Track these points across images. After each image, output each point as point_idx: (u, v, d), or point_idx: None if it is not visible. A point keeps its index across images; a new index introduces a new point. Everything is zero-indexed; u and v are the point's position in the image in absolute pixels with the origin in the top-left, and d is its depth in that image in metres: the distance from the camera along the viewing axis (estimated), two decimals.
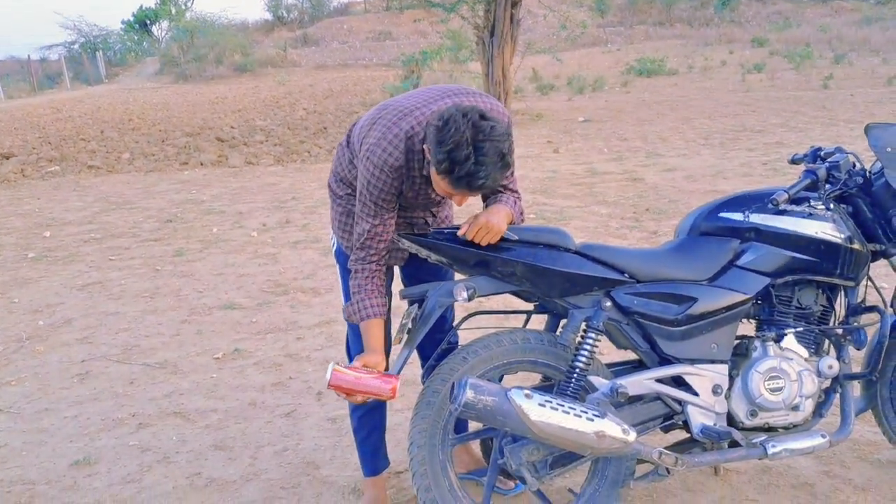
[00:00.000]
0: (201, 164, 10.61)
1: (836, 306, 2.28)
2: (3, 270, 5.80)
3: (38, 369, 3.90)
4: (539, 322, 2.36)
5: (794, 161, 2.53)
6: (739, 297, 2.15)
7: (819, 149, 2.44)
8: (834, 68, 19.68)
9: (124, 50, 43.62)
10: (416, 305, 2.15)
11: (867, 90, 15.55)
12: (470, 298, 2.07)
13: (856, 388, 2.51)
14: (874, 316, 2.28)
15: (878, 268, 2.54)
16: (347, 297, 2.31)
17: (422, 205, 2.23)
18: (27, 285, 5.41)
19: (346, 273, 2.27)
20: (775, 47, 25.94)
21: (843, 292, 2.28)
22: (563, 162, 9.57)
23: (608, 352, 2.79)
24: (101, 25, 43.18)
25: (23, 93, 30.75)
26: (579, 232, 5.93)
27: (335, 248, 2.42)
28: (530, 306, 2.31)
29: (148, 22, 45.74)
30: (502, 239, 2.08)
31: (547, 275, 2.08)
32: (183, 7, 45.69)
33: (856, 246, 2.19)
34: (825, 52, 23.32)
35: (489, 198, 2.20)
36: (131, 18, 45.94)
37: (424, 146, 1.97)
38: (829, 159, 2.30)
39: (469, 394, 1.87)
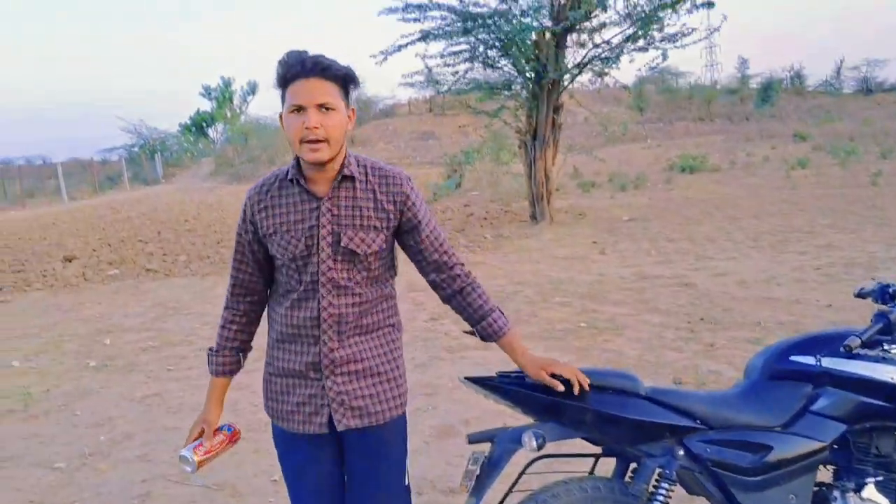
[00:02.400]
0: None
1: None
2: (67, 379, 5.96)
3: (100, 489, 3.95)
4: (607, 465, 2.34)
5: (860, 295, 2.53)
6: (816, 445, 2.12)
7: (888, 286, 2.43)
8: (881, 164, 19.56)
9: (181, 151, 45.60)
10: (481, 451, 2.15)
11: None
12: (540, 447, 2.07)
13: None
14: None
15: None
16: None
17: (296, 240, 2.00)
18: (89, 396, 5.53)
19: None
20: (818, 142, 26.00)
21: None
22: (611, 264, 9.59)
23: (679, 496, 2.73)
24: (160, 129, 45.29)
25: (85, 194, 32.16)
26: (634, 343, 5.88)
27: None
28: (598, 449, 2.30)
29: (204, 125, 47.97)
30: (570, 384, 2.09)
31: (618, 422, 2.08)
32: (238, 111, 47.89)
33: None
34: (870, 147, 23.26)
35: (456, 297, 2.15)
36: (189, 122, 48.29)
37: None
38: None
39: None
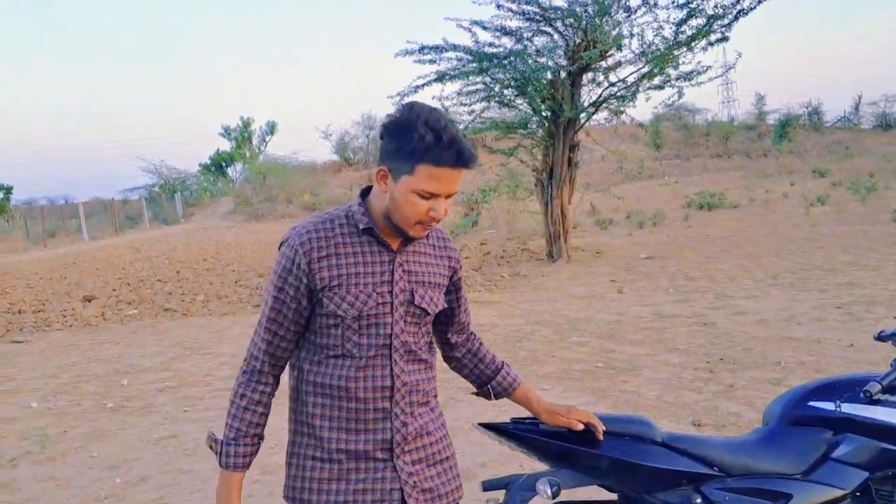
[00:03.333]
0: None
1: None
2: (84, 421, 5.97)
3: None
4: None
5: (880, 338, 2.49)
6: (837, 493, 2.08)
7: None
8: None
9: (200, 190, 46.22)
10: (495, 499, 2.13)
11: None
12: (555, 496, 2.05)
13: None
14: None
15: None
16: None
17: (373, 314, 1.77)
18: (105, 438, 5.53)
19: None
20: (837, 178, 25.86)
21: None
22: (629, 303, 9.53)
23: None
24: (180, 169, 46.03)
25: (105, 233, 32.60)
26: (652, 384, 5.82)
27: None
28: (614, 496, 2.26)
29: (223, 164, 48.68)
30: (585, 431, 2.07)
31: (634, 470, 2.05)
32: (256, 151, 48.59)
33: None
34: (891, 183, 23.10)
35: (468, 362, 2.09)
36: (208, 161, 49.02)
37: (379, 174, 1.73)
38: None
39: None
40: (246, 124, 49.47)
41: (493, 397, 2.11)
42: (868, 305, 8.05)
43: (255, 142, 49.96)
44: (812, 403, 2.19)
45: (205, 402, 6.28)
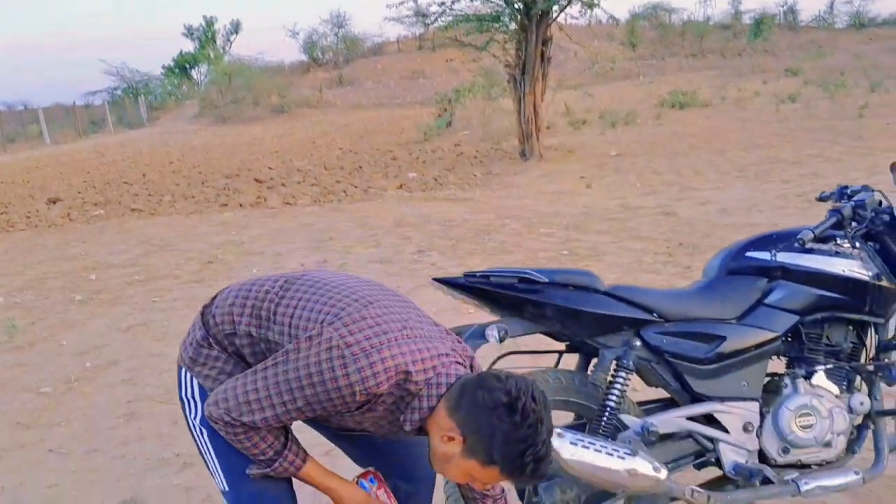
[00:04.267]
0: (240, 206, 10.87)
1: (867, 343, 2.30)
2: (52, 313, 6.01)
3: (87, 410, 4.04)
4: (570, 362, 2.41)
5: (821, 199, 2.57)
6: (768, 336, 2.18)
7: (846, 187, 2.48)
8: (870, 97, 19.48)
9: (164, 94, 44.94)
10: None
11: None
12: (501, 340, 2.13)
13: (892, 425, 2.50)
14: None
15: None
16: (232, 478, 1.71)
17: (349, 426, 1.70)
18: (75, 327, 5.59)
19: (221, 443, 1.68)
20: (809, 76, 25.81)
21: (872, 329, 2.30)
22: (597, 197, 9.62)
23: (640, 389, 2.81)
24: (143, 71, 44.55)
25: (68, 138, 31.78)
26: (613, 268, 5.95)
27: (200, 412, 1.71)
28: (562, 346, 2.36)
29: (187, 66, 47.18)
30: (532, 281, 2.14)
31: (577, 316, 2.13)
32: (221, 52, 47.04)
33: (884, 283, 2.22)
34: (860, 81, 23.09)
35: None
36: (171, 63, 47.46)
37: (426, 396, 1.55)
38: (854, 197, 2.34)
39: None
40: (209, 23, 47.67)
41: None
42: None
43: (219, 42, 48.32)
44: (749, 254, 2.28)
45: (173, 293, 6.33)
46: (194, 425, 1.73)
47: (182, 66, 46.93)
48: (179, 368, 1.76)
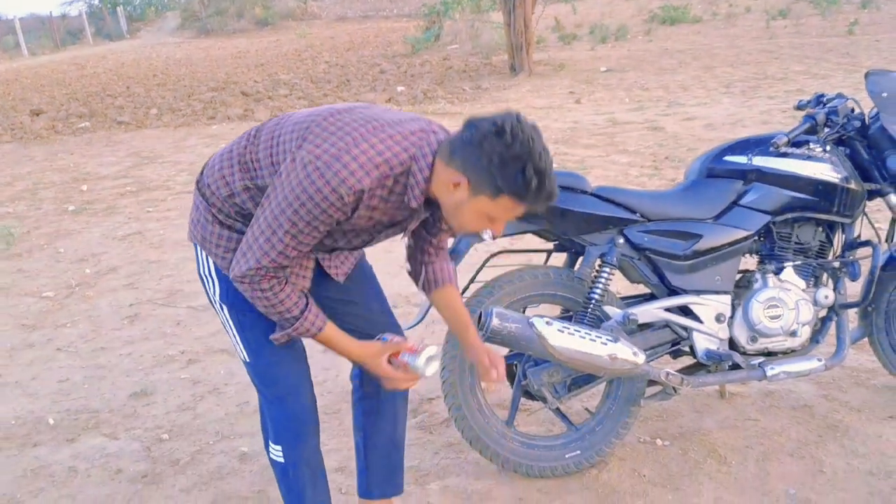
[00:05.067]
0: (228, 119, 10.81)
1: (834, 241, 2.46)
2: (46, 223, 6.10)
3: (90, 313, 4.19)
4: (558, 260, 2.56)
5: (799, 107, 2.69)
6: (742, 234, 2.34)
7: (822, 95, 2.59)
8: (860, 13, 19.28)
9: (144, 4, 43.49)
10: None
11: (893, 35, 15.29)
12: (494, 237, 2.27)
13: (855, 319, 2.70)
14: (869, 250, 2.45)
15: (875, 205, 2.70)
16: (253, 348, 1.85)
17: (367, 231, 1.76)
18: (71, 236, 5.69)
19: (241, 318, 1.82)
20: None
21: (840, 228, 2.46)
22: (585, 112, 9.65)
23: (623, 287, 2.99)
24: None
25: (46, 49, 30.95)
26: (600, 180, 6.07)
27: (218, 289, 1.81)
28: (550, 245, 2.51)
29: None
30: None
31: (565, 215, 2.27)
32: None
33: (852, 185, 2.36)
34: None
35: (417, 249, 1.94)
36: None
37: (438, 163, 1.62)
38: (828, 104, 2.45)
39: (495, 322, 2.07)
40: None
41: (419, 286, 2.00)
42: None
43: None
44: (727, 158, 2.41)
45: (167, 204, 6.42)
46: (215, 301, 1.85)
47: None
48: (194, 246, 1.86)
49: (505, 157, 1.50)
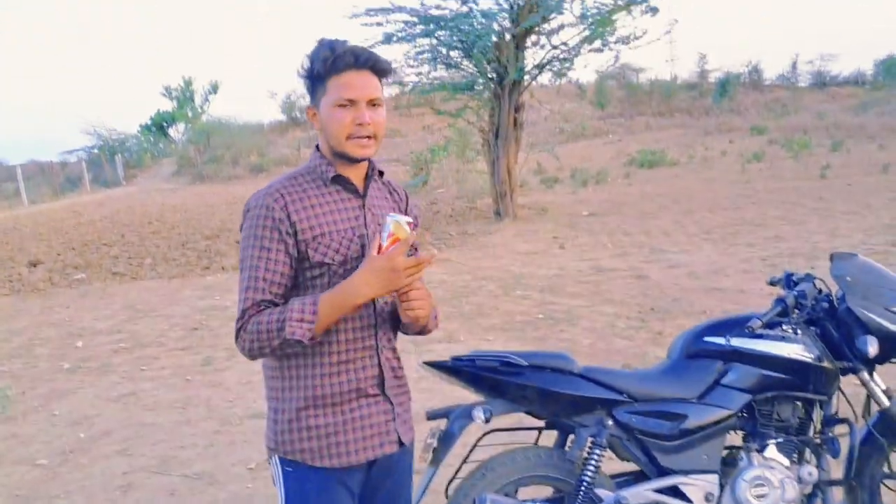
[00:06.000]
0: (223, 269, 11.04)
1: (813, 418, 2.57)
2: (41, 382, 6.12)
3: (84, 482, 4.16)
4: (549, 437, 2.64)
5: (771, 283, 2.87)
6: (725, 413, 2.45)
7: (792, 274, 2.78)
8: (831, 156, 20.27)
9: (141, 151, 45.06)
10: (437, 426, 2.45)
11: (864, 178, 16.05)
12: (487, 420, 2.38)
13: (840, 494, 2.76)
14: (847, 427, 2.56)
15: (850, 382, 2.83)
16: None
17: (345, 232, 1.83)
18: (65, 397, 5.71)
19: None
20: (774, 135, 26.70)
21: (818, 405, 2.57)
22: (570, 258, 9.95)
23: (613, 460, 3.05)
24: (120, 129, 44.78)
25: (45, 196, 31.73)
26: (588, 333, 6.23)
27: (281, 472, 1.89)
28: (541, 423, 2.61)
29: (164, 125, 47.49)
30: (513, 364, 2.40)
31: (554, 397, 2.39)
32: (199, 111, 47.50)
33: (825, 364, 2.50)
34: (823, 140, 23.99)
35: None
36: (149, 122, 47.76)
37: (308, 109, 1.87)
38: (797, 287, 2.63)
39: None
40: (188, 83, 48.18)
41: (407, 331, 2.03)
42: (790, 257, 8.61)
43: (197, 101, 48.78)
44: (706, 339, 2.56)
45: (161, 362, 6.47)
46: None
47: (159, 125, 47.20)
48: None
49: (307, 65, 1.81)
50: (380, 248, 1.71)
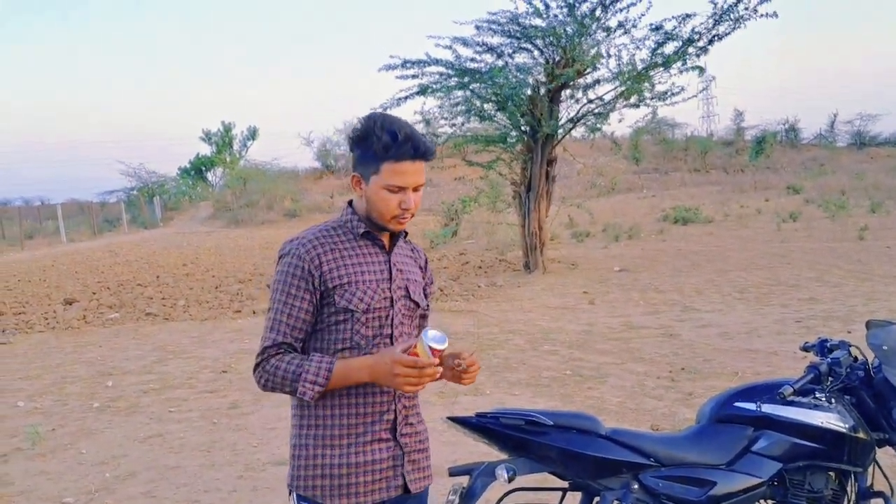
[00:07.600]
0: (254, 313, 11.14)
1: (847, 490, 2.50)
2: (71, 420, 6.18)
3: None
4: (574, 498, 2.60)
5: (804, 349, 2.83)
6: (755, 481, 2.40)
7: (826, 340, 2.74)
8: (870, 218, 19.98)
9: (179, 194, 46.10)
10: (459, 483, 2.42)
11: None
12: (511, 479, 2.35)
13: None
14: (882, 501, 2.48)
15: (886, 453, 2.76)
16: None
17: (371, 286, 1.97)
18: (93, 436, 5.75)
19: None
20: (810, 195, 26.49)
21: (852, 477, 2.50)
22: (600, 314, 9.87)
23: None
24: (159, 172, 45.95)
25: (83, 236, 32.50)
26: (616, 391, 6.14)
27: None
28: (566, 484, 2.56)
29: (203, 169, 48.62)
30: (538, 423, 2.38)
31: (580, 458, 2.36)
32: (237, 156, 48.57)
33: (860, 435, 2.44)
34: (861, 201, 23.71)
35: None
36: (188, 165, 48.93)
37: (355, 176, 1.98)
38: (831, 355, 2.59)
39: None
40: (227, 129, 49.48)
41: None
42: (825, 320, 8.45)
43: (235, 147, 49.98)
44: (737, 404, 2.52)
45: (188, 404, 6.51)
46: None
47: (198, 168, 48.39)
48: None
49: (361, 138, 1.91)
50: (411, 349, 1.85)
